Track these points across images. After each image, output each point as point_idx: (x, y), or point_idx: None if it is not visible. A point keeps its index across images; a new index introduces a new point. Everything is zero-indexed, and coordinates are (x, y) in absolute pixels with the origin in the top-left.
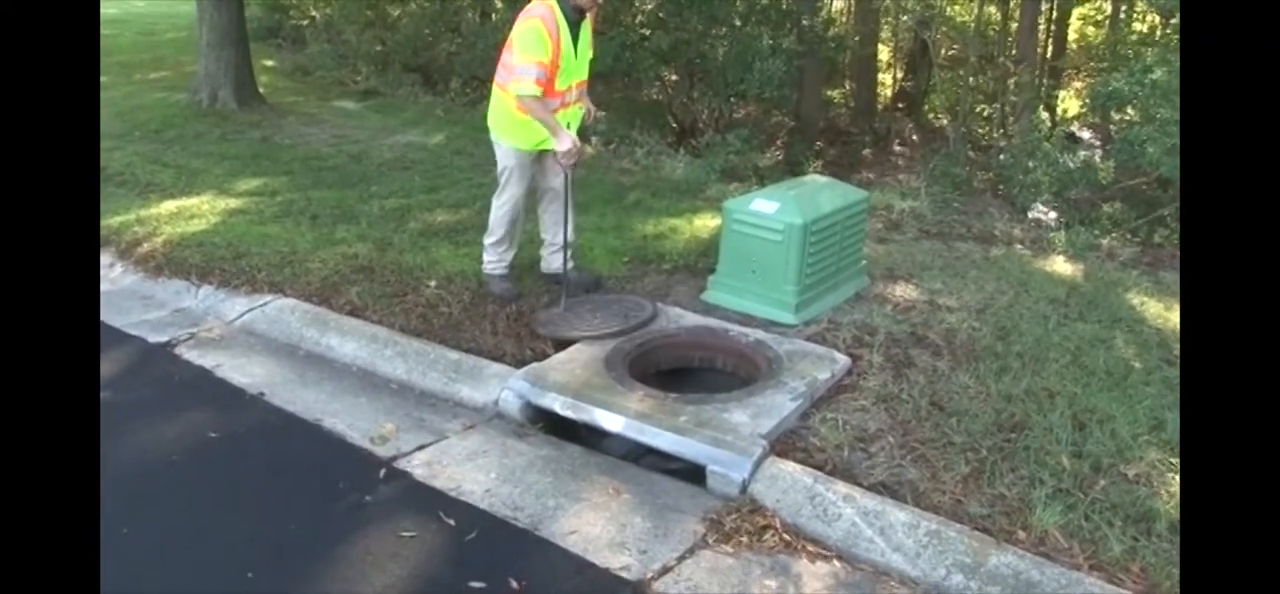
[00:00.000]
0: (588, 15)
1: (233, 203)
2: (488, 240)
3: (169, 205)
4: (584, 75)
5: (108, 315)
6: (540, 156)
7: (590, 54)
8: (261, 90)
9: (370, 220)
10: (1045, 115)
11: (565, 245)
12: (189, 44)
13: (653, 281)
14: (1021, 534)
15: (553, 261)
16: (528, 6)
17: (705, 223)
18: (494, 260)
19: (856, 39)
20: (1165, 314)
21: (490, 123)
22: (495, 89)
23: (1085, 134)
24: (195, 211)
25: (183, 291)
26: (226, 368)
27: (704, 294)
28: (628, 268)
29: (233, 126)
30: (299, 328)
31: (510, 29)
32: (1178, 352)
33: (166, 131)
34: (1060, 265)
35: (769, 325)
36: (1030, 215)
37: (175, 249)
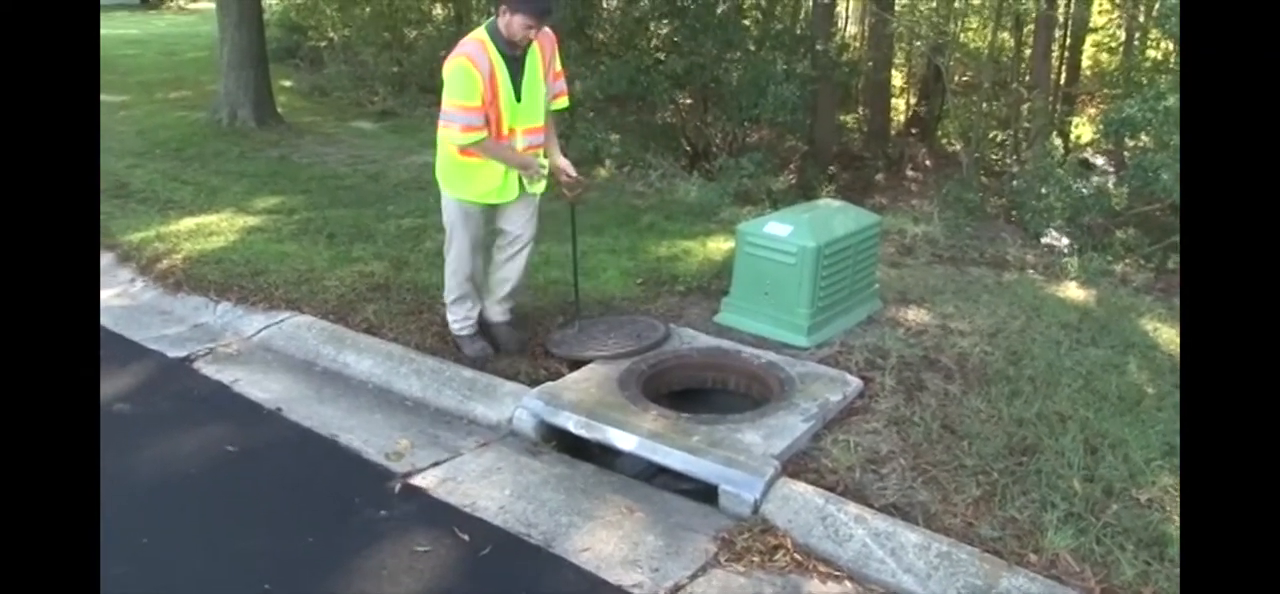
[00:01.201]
0: (538, 48)
1: (251, 220)
2: (448, 299)
3: (188, 222)
4: (538, 120)
5: (127, 330)
6: (495, 207)
7: (552, 94)
8: (280, 110)
9: (386, 239)
10: (1058, 141)
11: (575, 267)
12: (209, 64)
13: (666, 303)
14: (1033, 557)
15: (493, 311)
16: (460, 42)
17: (718, 245)
18: (458, 320)
19: (870, 64)
20: (1178, 340)
21: (437, 171)
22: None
23: (1099, 160)
24: (214, 229)
25: (201, 307)
26: (244, 383)
27: (717, 316)
28: (641, 289)
29: (251, 145)
30: (316, 344)
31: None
32: None
33: (186, 149)
34: (1073, 291)
35: (782, 347)
36: (1043, 241)
37: (194, 265)
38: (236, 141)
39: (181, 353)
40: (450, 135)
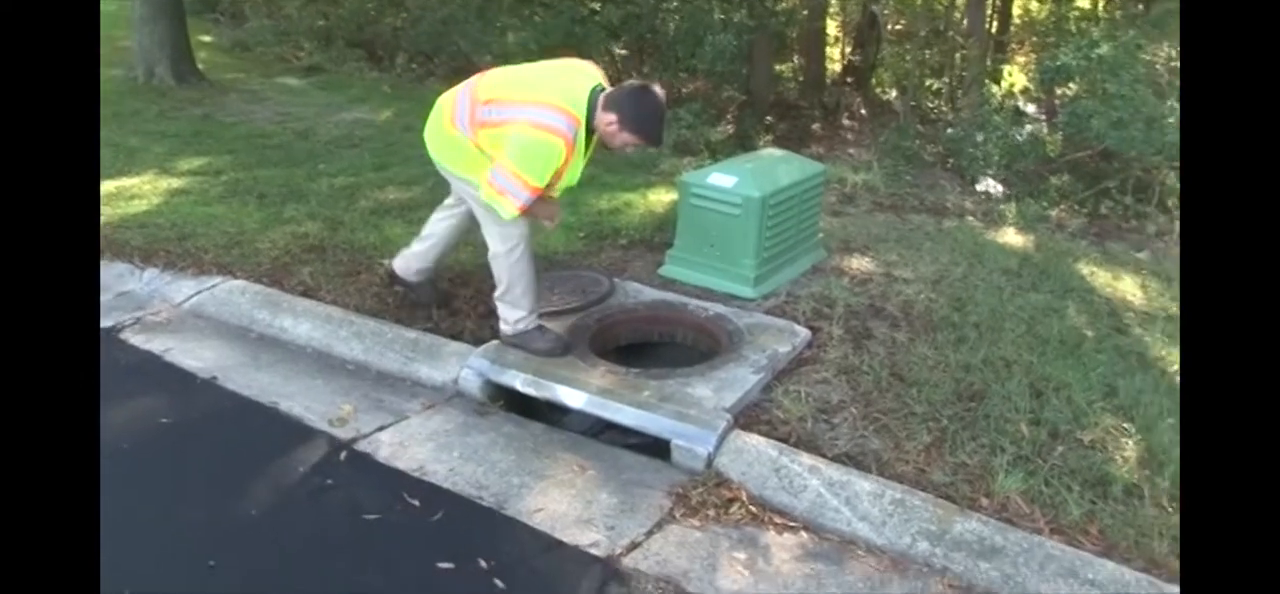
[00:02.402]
0: None
1: (175, 182)
2: (511, 300)
3: (107, 186)
4: (575, 181)
5: None
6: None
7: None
8: (200, 66)
9: (319, 199)
10: (995, 89)
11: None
12: (123, 18)
13: (609, 257)
14: (984, 501)
15: (411, 264)
16: (546, 107)
17: (659, 197)
18: (524, 317)
19: (805, 13)
20: (1114, 284)
21: (484, 197)
22: (454, 132)
23: (1030, 108)
24: (135, 192)
25: (126, 275)
26: (176, 352)
27: (662, 268)
28: (583, 243)
29: (171, 104)
30: (250, 310)
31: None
32: (1127, 320)
33: (101, 109)
34: (1011, 237)
35: (728, 299)
36: (979, 188)
37: (116, 231)
38: (154, 100)
39: (107, 322)
40: (502, 206)
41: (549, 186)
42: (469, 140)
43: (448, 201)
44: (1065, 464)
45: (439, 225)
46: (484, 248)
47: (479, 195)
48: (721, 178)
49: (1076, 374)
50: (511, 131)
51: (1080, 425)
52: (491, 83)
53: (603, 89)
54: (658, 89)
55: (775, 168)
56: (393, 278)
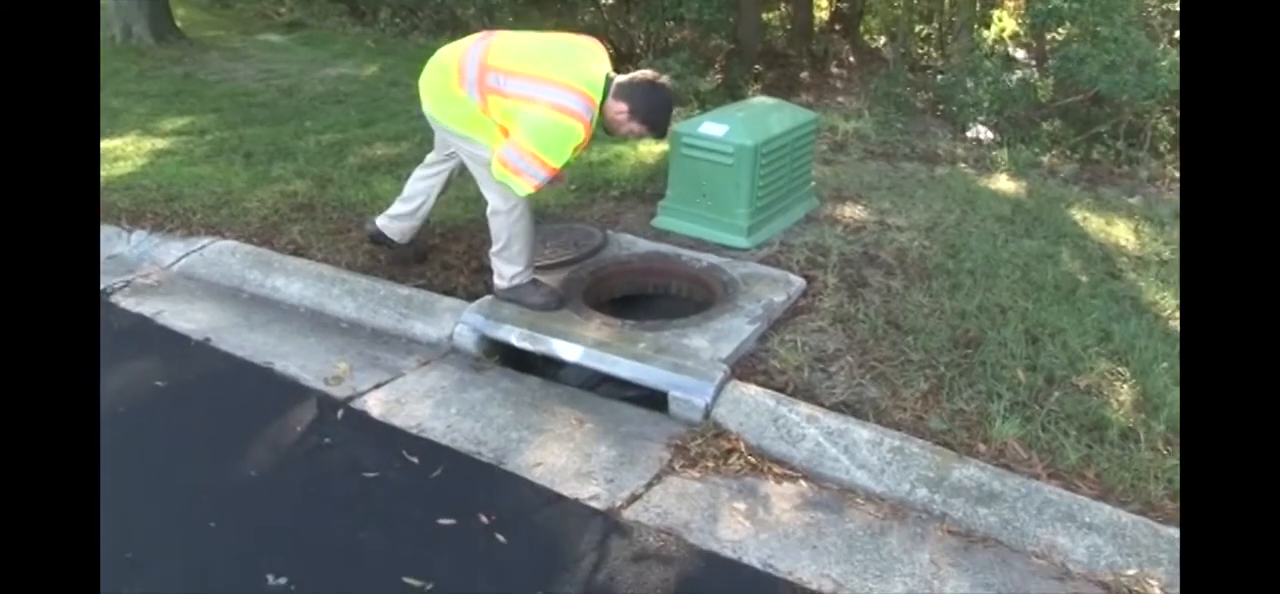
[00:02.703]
0: None
1: (159, 143)
2: (507, 256)
3: None
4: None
5: None
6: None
7: None
8: (179, 24)
9: (307, 156)
10: (987, 34)
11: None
12: None
13: (601, 209)
14: (982, 447)
15: (403, 229)
16: (567, 89)
17: (650, 148)
18: (521, 272)
19: None
20: (1106, 229)
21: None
22: (461, 92)
23: (1019, 54)
24: (120, 153)
25: (113, 238)
26: (168, 314)
27: (654, 220)
28: (575, 196)
29: (151, 63)
30: (241, 270)
31: None
32: (1120, 265)
33: None
34: (1004, 183)
35: (721, 249)
36: (970, 134)
37: (102, 194)
38: (134, 60)
39: None
40: (518, 184)
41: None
42: (476, 103)
43: (429, 159)
44: (1062, 409)
45: (422, 184)
46: (475, 202)
47: (483, 158)
48: (713, 127)
49: (1071, 320)
50: (531, 111)
51: (1076, 370)
52: (504, 50)
53: (613, 75)
54: (667, 81)
55: (767, 116)
56: (376, 239)
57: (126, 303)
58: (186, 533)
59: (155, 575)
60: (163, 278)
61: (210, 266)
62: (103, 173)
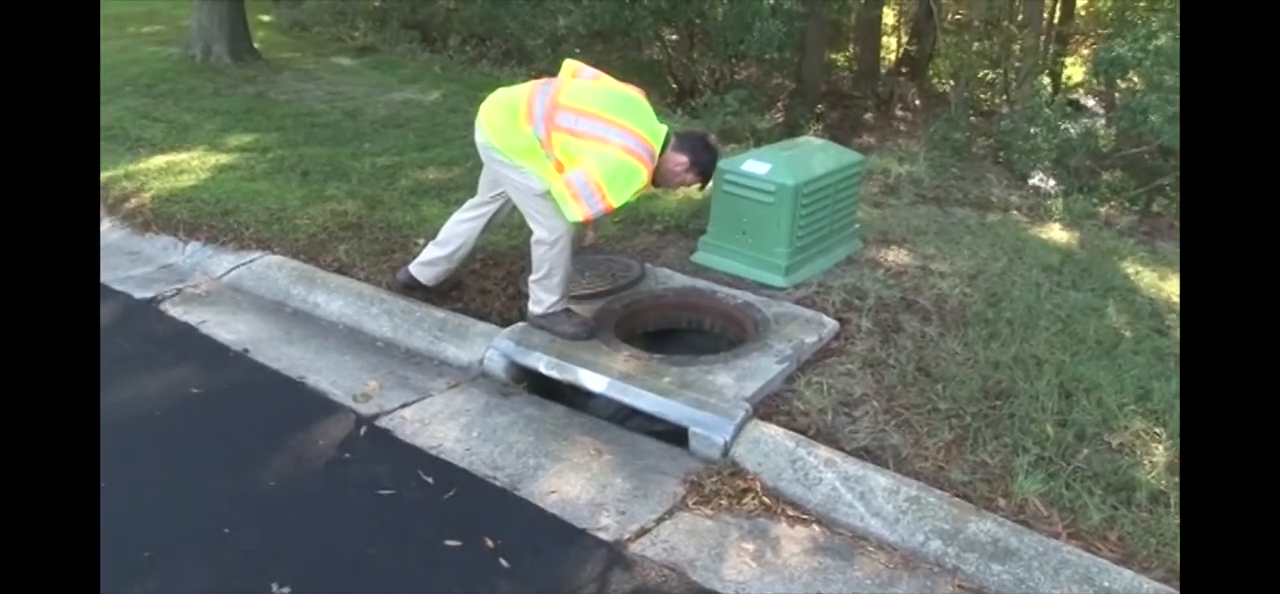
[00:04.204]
0: None
1: (223, 158)
2: (546, 285)
3: (158, 160)
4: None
5: None
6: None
7: None
8: (257, 45)
9: (361, 177)
10: (1047, 81)
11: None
12: None
13: (643, 242)
14: (1001, 502)
15: (438, 276)
16: (637, 137)
17: None
18: (556, 301)
19: (861, 1)
20: (1159, 284)
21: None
22: (527, 128)
23: (1090, 102)
24: (185, 167)
25: (170, 247)
26: (212, 324)
27: (694, 255)
28: (618, 228)
29: (226, 82)
30: (286, 285)
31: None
32: (1169, 322)
33: (159, 86)
34: (1056, 233)
35: (759, 288)
36: (1030, 182)
37: (163, 205)
38: (211, 78)
39: (148, 293)
40: (575, 209)
41: None
42: (539, 137)
43: (471, 202)
44: (1089, 467)
45: (461, 228)
46: (518, 230)
47: (534, 189)
48: (755, 165)
49: (1109, 375)
50: (602, 149)
51: (1109, 428)
52: (577, 92)
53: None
54: (715, 140)
55: (811, 156)
56: (408, 286)
57: (174, 311)
58: (203, 535)
59: (168, 573)
60: (212, 288)
61: (257, 280)
62: (166, 185)
